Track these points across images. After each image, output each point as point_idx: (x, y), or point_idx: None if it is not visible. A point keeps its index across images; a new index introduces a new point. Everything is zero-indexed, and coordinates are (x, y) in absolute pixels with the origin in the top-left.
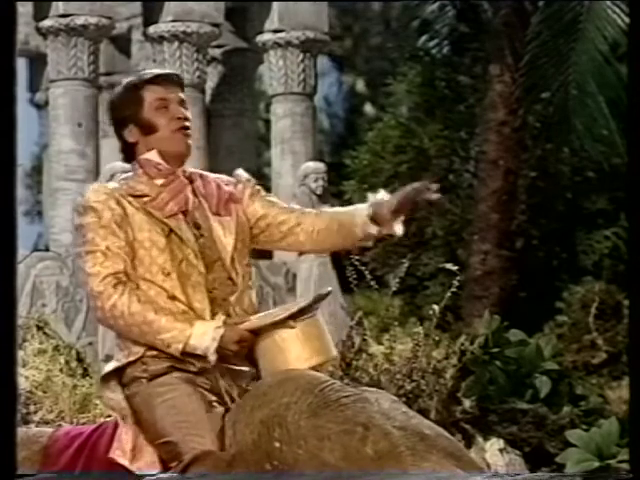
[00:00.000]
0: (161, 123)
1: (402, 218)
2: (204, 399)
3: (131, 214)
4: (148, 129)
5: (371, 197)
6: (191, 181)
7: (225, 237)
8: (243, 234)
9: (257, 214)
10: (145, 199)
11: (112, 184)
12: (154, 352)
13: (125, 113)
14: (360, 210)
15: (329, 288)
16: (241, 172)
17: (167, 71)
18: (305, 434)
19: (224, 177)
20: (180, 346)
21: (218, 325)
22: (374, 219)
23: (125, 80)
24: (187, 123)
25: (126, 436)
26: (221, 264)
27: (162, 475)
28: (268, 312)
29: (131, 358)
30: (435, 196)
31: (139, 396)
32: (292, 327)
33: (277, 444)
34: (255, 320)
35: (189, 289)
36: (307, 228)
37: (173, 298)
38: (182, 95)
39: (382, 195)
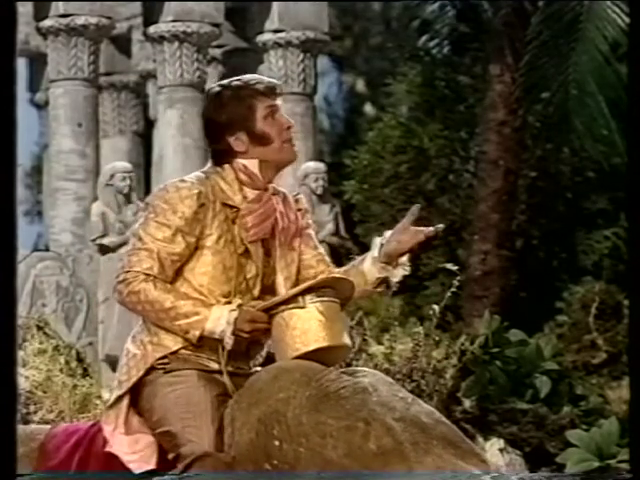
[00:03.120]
0: (274, 134)
1: (405, 259)
2: (213, 393)
3: (216, 225)
4: (261, 140)
5: (377, 239)
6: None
7: (287, 275)
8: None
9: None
10: (234, 210)
11: (203, 185)
12: (185, 352)
13: (234, 118)
14: (370, 253)
15: (337, 274)
16: (303, 199)
17: (274, 81)
18: (306, 431)
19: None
20: (198, 332)
21: (233, 308)
22: (383, 259)
23: (229, 83)
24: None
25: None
26: (272, 294)
27: (165, 476)
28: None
29: (158, 354)
30: (430, 231)
31: (151, 384)
32: (302, 306)
33: (277, 442)
34: (267, 302)
35: None
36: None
37: None
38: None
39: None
